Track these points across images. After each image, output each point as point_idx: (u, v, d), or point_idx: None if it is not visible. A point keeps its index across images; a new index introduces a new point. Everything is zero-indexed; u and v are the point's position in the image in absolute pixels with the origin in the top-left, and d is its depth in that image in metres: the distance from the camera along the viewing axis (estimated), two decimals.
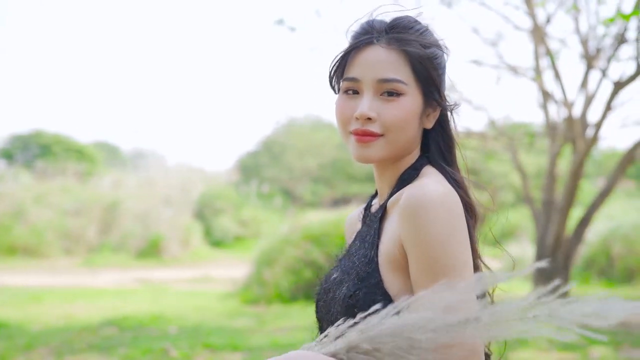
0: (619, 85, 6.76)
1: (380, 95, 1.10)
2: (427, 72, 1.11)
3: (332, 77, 1.17)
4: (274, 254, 8.39)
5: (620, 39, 6.51)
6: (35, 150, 20.74)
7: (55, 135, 21.55)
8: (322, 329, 1.17)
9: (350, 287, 1.08)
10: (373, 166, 1.20)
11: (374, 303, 1.01)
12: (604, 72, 6.89)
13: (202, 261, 13.49)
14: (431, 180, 1.07)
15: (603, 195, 7.44)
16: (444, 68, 1.16)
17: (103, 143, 25.82)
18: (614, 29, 6.69)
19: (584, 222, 7.51)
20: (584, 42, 7.02)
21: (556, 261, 7.42)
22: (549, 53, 7.00)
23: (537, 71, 7.36)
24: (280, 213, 17.30)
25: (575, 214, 8.36)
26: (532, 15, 6.97)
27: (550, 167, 7.64)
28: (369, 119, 1.10)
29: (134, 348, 4.98)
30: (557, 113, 7.56)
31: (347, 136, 1.14)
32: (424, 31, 1.14)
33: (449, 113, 1.20)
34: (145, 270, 11.29)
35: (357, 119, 1.11)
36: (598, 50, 6.97)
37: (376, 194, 1.27)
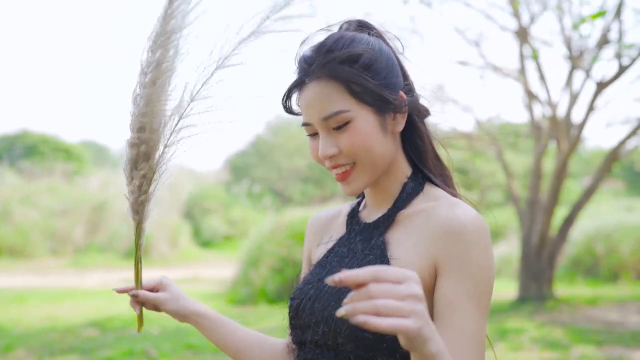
0: (602, 85, 6.80)
1: (333, 129, 1.08)
2: (364, 87, 1.06)
3: (289, 112, 1.16)
4: (259, 254, 8.37)
5: (603, 40, 6.55)
6: (21, 150, 20.60)
7: (41, 135, 21.43)
8: (299, 336, 1.12)
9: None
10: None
11: None
12: (587, 73, 6.93)
13: (190, 261, 13.45)
14: (466, 204, 1.07)
15: (588, 195, 7.49)
16: (386, 67, 1.09)
17: (91, 142, 25.70)
18: (597, 31, 6.72)
19: (569, 221, 7.55)
20: (568, 43, 7.05)
21: (541, 260, 7.45)
22: (533, 54, 7.03)
23: (522, 72, 7.39)
24: (270, 213, 17.28)
25: (561, 213, 8.40)
26: (516, 16, 6.99)
27: (535, 166, 7.67)
28: (333, 156, 1.09)
29: (115, 350, 4.95)
30: (541, 113, 7.59)
31: (331, 172, 1.13)
32: (349, 44, 1.08)
33: (418, 104, 1.15)
34: (132, 270, 11.22)
35: (323, 160, 1.11)
36: (582, 51, 7.00)
37: (361, 200, 1.23)
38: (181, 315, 1.26)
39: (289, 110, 1.14)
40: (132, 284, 1.28)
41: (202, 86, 1.14)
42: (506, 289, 8.68)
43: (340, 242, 1.17)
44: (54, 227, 13.56)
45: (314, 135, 1.11)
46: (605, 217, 10.97)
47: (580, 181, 18.73)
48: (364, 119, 1.06)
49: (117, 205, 13.95)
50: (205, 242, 15.97)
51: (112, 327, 6.07)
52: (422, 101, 1.16)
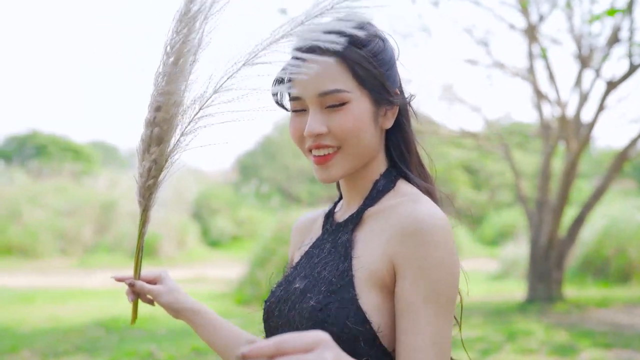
0: (612, 85, 6.71)
1: (326, 108, 1.05)
2: (368, 72, 1.04)
3: (279, 100, 1.13)
4: (266, 254, 8.35)
5: (613, 38, 6.46)
6: (31, 151, 20.72)
7: (50, 136, 21.53)
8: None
9: (321, 299, 1.02)
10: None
11: (347, 318, 0.98)
12: (597, 72, 6.85)
13: (197, 261, 13.44)
14: (430, 203, 1.03)
15: (597, 195, 7.39)
16: (389, 61, 1.09)
17: (100, 143, 25.80)
18: (607, 29, 6.63)
19: (578, 221, 7.46)
20: (578, 41, 6.97)
21: (549, 261, 7.37)
22: (542, 52, 6.95)
23: (531, 71, 7.31)
24: (278, 213, 17.27)
25: (571, 213, 8.31)
26: (525, 14, 6.92)
27: (543, 166, 7.59)
28: (320, 134, 1.05)
29: (119, 350, 4.93)
30: (550, 112, 7.51)
31: (307, 155, 1.09)
32: (360, 28, 1.06)
33: (409, 107, 1.14)
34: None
35: (308, 137, 1.07)
36: (592, 50, 6.92)
37: (339, 200, 1.22)
38: (175, 310, 1.27)
39: (280, 82, 1.09)
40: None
41: (227, 80, 1.11)
42: (514, 290, 8.59)
43: (315, 243, 1.16)
44: (63, 227, 13.60)
45: (300, 112, 1.08)
46: (616, 217, 10.83)
47: (590, 181, 18.56)
48: (361, 104, 1.05)
49: (125, 205, 13.98)
50: (213, 242, 15.96)
51: (117, 327, 6.06)
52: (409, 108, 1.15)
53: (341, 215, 1.16)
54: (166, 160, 1.18)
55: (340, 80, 1.03)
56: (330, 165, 1.06)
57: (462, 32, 7.11)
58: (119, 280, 1.28)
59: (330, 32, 0.98)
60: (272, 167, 22.29)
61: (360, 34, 1.04)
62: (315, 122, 1.04)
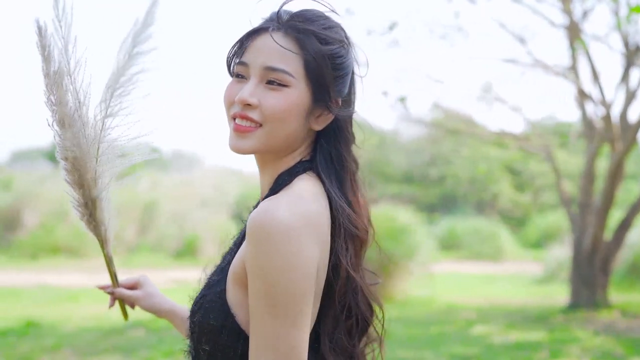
0: None
1: (266, 83, 1.05)
2: (320, 69, 1.04)
3: (230, 62, 1.12)
4: None
5: None
6: None
7: None
8: None
9: (203, 290, 1.08)
10: (256, 162, 1.15)
11: (213, 311, 1.03)
12: None
13: None
14: (284, 200, 0.99)
15: None
16: (345, 70, 1.08)
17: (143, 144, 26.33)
18: None
19: (625, 224, 7.22)
20: (625, 38, 6.75)
21: (594, 266, 7.15)
22: (585, 50, 6.76)
23: (573, 69, 7.11)
24: None
25: (617, 216, 8.04)
26: (567, 11, 6.73)
27: (587, 168, 7.37)
28: (249, 105, 1.05)
29: (156, 350, 5.01)
30: (594, 112, 7.29)
31: (230, 122, 1.09)
32: (330, 27, 1.07)
33: (347, 119, 1.12)
34: (181, 270, 11.40)
35: (237, 103, 1.07)
36: (638, 46, 6.69)
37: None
38: (155, 312, 1.39)
39: (236, 51, 1.09)
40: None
41: (109, 104, 1.23)
42: (558, 295, 8.37)
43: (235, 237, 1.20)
44: None
45: (240, 78, 1.08)
46: None
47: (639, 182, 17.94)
48: (299, 94, 1.05)
49: (166, 205, 14.23)
50: None
51: (157, 327, 6.16)
52: (355, 129, 1.15)
53: None
54: (96, 199, 1.26)
55: (291, 63, 1.04)
56: (246, 137, 1.06)
57: (500, 30, 6.95)
58: (101, 288, 1.42)
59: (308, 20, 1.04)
60: None
61: (328, 32, 1.06)
62: (249, 91, 1.05)
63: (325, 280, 1.03)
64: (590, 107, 7.29)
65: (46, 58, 1.14)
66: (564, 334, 5.84)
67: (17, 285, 9.20)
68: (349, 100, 1.12)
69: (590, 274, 7.15)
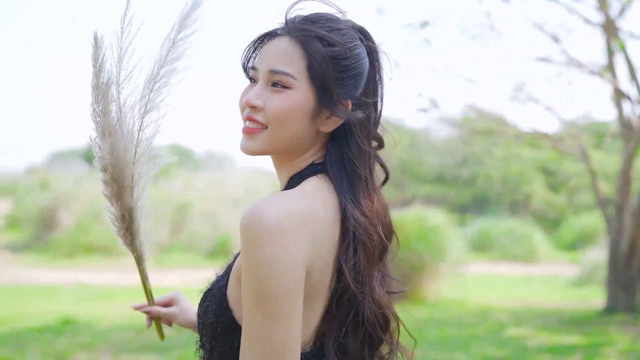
0: None
1: (271, 86, 1.07)
2: (322, 70, 1.05)
3: (245, 66, 1.14)
4: None
5: None
6: None
7: None
8: None
9: (210, 285, 1.12)
10: (272, 164, 1.18)
11: (213, 305, 1.06)
12: None
13: None
14: (276, 199, 0.99)
15: None
16: (352, 72, 1.08)
17: (176, 145, 26.67)
18: None
19: None
20: None
21: (631, 269, 6.98)
22: (622, 47, 6.60)
23: (610, 68, 6.96)
24: None
25: None
26: (603, 8, 6.59)
27: (624, 168, 7.20)
28: (255, 107, 1.07)
29: (188, 349, 5.07)
30: (632, 111, 7.12)
31: (243, 123, 1.12)
32: (336, 29, 1.07)
33: (358, 121, 1.12)
34: (214, 270, 11.53)
35: (246, 106, 1.10)
36: None
37: None
38: (193, 327, 1.36)
39: (250, 56, 1.12)
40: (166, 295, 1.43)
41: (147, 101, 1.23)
42: (594, 298, 8.20)
43: None
44: (141, 227, 14.16)
45: (252, 81, 1.11)
46: None
47: None
48: (302, 96, 1.06)
49: (199, 206, 14.39)
50: None
51: None
52: (380, 130, 1.15)
53: None
54: (132, 209, 1.28)
55: (294, 66, 1.05)
56: (252, 139, 1.09)
57: (533, 29, 6.83)
58: (137, 309, 1.42)
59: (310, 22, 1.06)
60: None
61: (332, 34, 1.06)
62: (255, 94, 1.07)
63: (330, 283, 1.04)
64: (627, 106, 7.13)
65: (97, 70, 1.16)
66: (600, 338, 5.72)
67: (54, 284, 9.42)
68: (361, 103, 1.10)
69: (628, 276, 6.99)
